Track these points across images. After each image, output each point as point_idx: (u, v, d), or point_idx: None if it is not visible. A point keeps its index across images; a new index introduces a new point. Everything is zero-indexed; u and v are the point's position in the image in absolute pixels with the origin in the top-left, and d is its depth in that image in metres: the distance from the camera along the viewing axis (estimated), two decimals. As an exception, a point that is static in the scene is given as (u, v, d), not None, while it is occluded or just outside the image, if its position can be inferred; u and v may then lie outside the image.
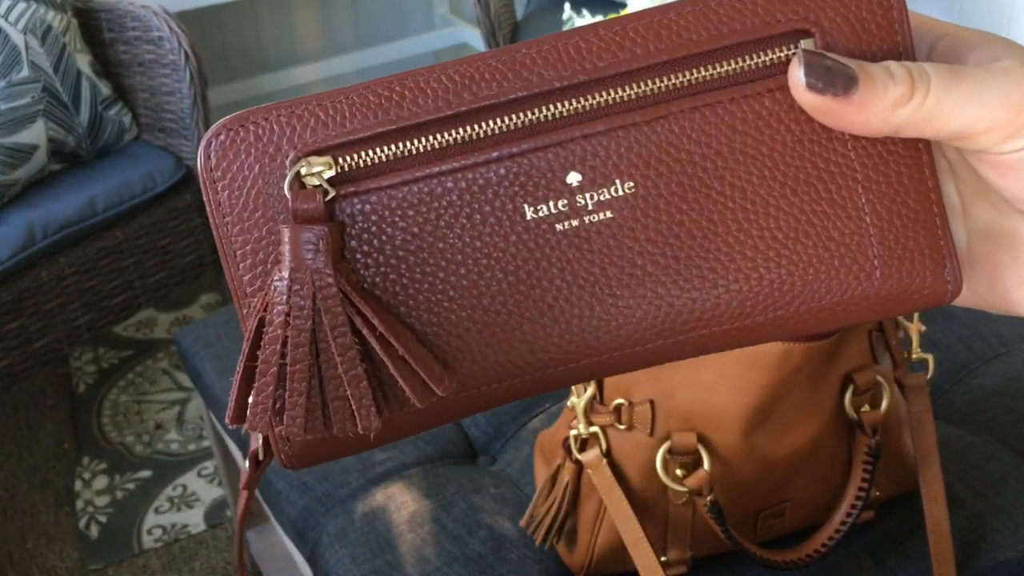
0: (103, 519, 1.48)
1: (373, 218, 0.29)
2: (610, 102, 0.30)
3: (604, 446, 0.66)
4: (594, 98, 0.30)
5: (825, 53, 0.29)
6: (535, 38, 0.30)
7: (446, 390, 0.29)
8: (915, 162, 0.30)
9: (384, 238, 0.30)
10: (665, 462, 0.64)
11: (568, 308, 0.30)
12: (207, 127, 1.58)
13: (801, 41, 0.29)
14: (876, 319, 0.32)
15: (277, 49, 2.36)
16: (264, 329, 0.28)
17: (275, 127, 0.29)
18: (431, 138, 0.29)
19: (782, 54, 0.30)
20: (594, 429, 0.66)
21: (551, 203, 0.30)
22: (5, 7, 1.46)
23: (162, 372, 1.75)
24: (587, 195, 0.30)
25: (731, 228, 0.30)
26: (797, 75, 0.29)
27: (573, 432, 0.67)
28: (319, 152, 0.29)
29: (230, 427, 0.31)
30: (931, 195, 0.30)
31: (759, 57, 0.30)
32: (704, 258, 0.30)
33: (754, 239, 0.30)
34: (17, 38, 1.46)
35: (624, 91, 0.30)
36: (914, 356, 0.69)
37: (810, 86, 0.28)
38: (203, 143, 0.29)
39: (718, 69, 0.30)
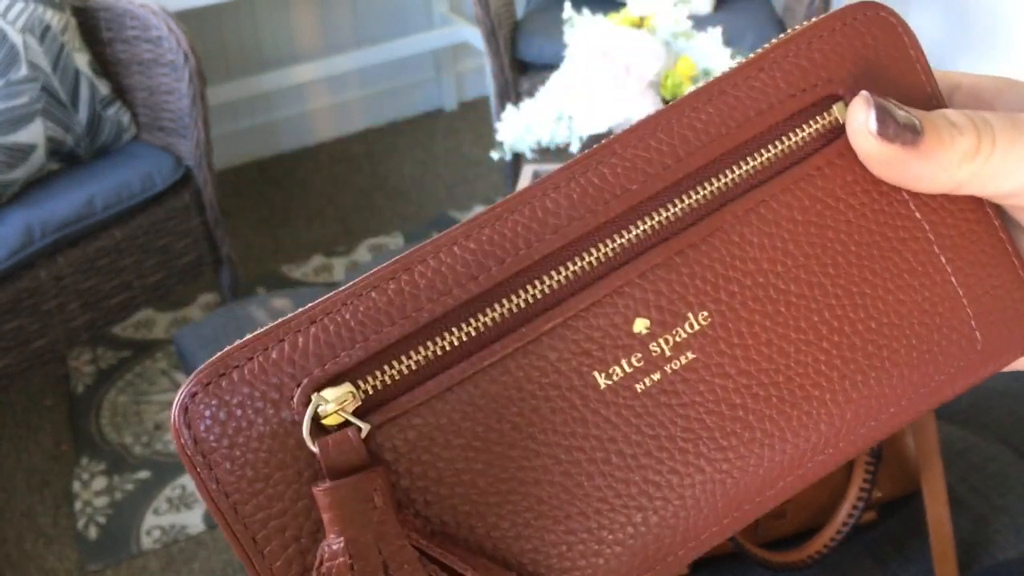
0: (102, 520, 1.48)
1: (422, 444, 0.24)
2: (657, 227, 0.26)
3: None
4: (638, 227, 0.26)
5: (888, 99, 0.26)
6: (546, 177, 0.26)
7: None
8: (981, 215, 0.28)
9: (441, 465, 0.24)
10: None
11: (677, 480, 0.25)
12: (206, 126, 1.57)
13: (834, 106, 0.27)
14: (979, 382, 0.29)
15: (276, 48, 2.36)
16: None
17: (265, 365, 0.23)
18: (465, 326, 0.24)
19: (818, 126, 0.27)
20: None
21: (624, 362, 0.25)
22: (4, 6, 1.46)
23: (161, 372, 1.75)
24: (660, 341, 0.25)
25: (823, 332, 0.26)
26: (864, 122, 0.26)
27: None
28: (333, 381, 0.23)
29: None
30: (1006, 246, 0.28)
31: (797, 135, 0.27)
32: (805, 375, 0.26)
33: (850, 337, 0.27)
34: (16, 37, 1.46)
35: (669, 211, 0.26)
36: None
37: (881, 133, 0.26)
38: (176, 411, 0.23)
39: (759, 159, 0.27)
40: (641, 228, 0.26)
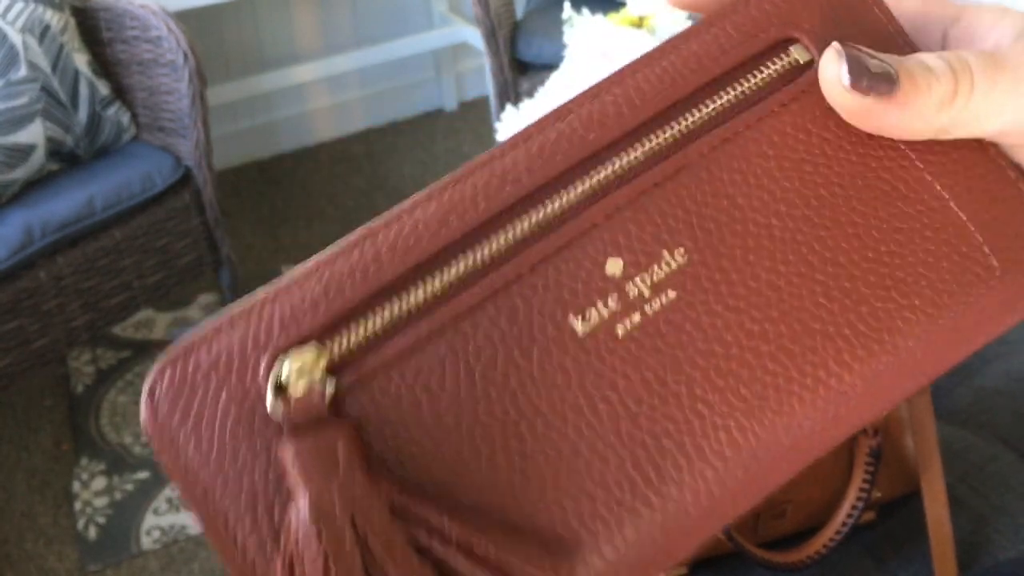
0: (102, 520, 1.48)
1: (392, 404, 0.23)
2: (620, 172, 0.25)
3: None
4: (600, 173, 0.25)
5: (861, 48, 0.26)
6: (505, 140, 0.26)
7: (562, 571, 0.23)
8: (973, 143, 0.27)
9: (415, 426, 0.23)
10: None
11: (674, 427, 0.24)
12: (206, 126, 1.57)
13: (792, 47, 0.27)
14: (1013, 322, 0.27)
15: (276, 48, 2.36)
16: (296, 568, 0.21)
17: (231, 336, 0.23)
18: (431, 280, 0.24)
19: (777, 67, 0.27)
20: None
21: (600, 305, 0.24)
22: (3, 6, 1.45)
23: (161, 372, 1.75)
24: (637, 280, 0.25)
25: (815, 263, 0.25)
26: (836, 74, 0.25)
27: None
28: (300, 342, 0.23)
29: None
30: (1007, 172, 0.27)
31: (756, 76, 0.27)
32: (803, 307, 0.25)
33: (846, 267, 0.25)
34: (15, 37, 1.46)
35: (630, 155, 0.26)
36: (915, 356, 0.69)
37: (854, 86, 0.25)
38: (145, 393, 0.22)
39: (719, 101, 0.26)
40: (603, 174, 0.25)
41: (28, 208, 1.45)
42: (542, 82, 1.37)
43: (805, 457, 0.25)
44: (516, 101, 1.83)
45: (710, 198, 0.26)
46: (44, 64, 1.49)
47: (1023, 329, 0.93)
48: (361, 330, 0.23)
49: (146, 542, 1.44)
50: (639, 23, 1.28)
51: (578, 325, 0.24)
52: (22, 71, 1.47)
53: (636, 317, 0.24)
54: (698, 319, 0.25)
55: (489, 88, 2.10)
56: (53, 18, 1.51)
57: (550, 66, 1.55)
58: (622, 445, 0.24)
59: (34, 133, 1.48)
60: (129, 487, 1.53)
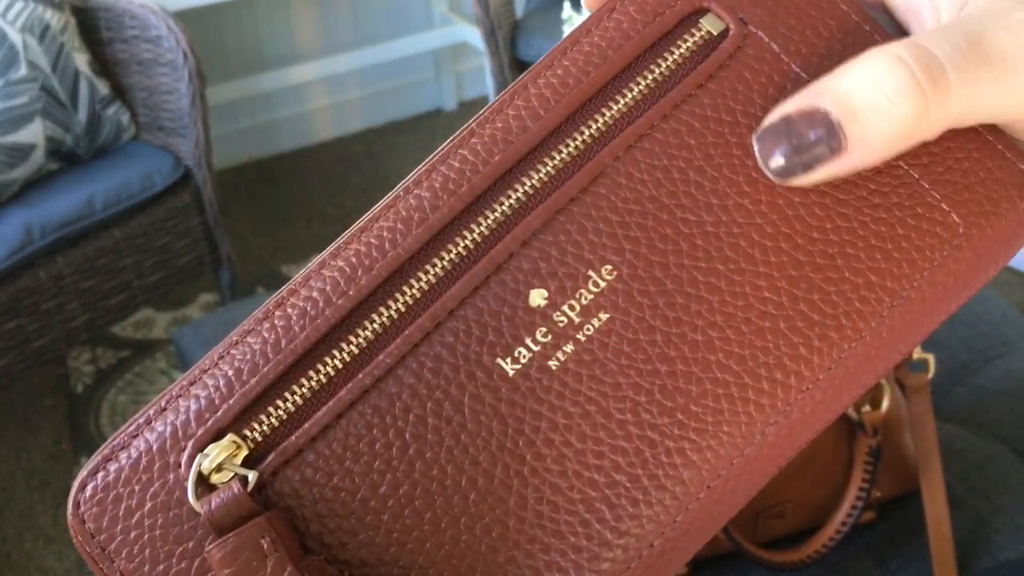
0: (101, 519, 1.48)
1: (322, 480, 0.22)
2: (531, 191, 0.23)
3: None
4: (510, 197, 0.23)
5: (780, 116, 0.22)
6: (410, 176, 0.24)
7: None
8: None
9: (348, 499, 0.22)
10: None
11: (624, 460, 0.22)
12: (206, 126, 1.57)
13: (702, 20, 0.24)
14: (988, 277, 0.24)
15: (276, 48, 2.36)
16: None
17: (149, 437, 0.22)
18: (345, 347, 0.23)
19: (689, 44, 0.24)
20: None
21: (528, 341, 0.23)
22: (3, 6, 1.45)
23: (160, 372, 1.75)
24: (564, 309, 0.23)
25: (756, 256, 0.23)
26: (771, 167, 0.22)
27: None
28: (216, 437, 0.22)
29: None
30: (985, 134, 0.24)
31: (664, 63, 0.24)
32: (748, 306, 0.23)
33: (791, 254, 0.23)
34: (15, 37, 1.46)
35: (540, 172, 0.23)
36: (915, 356, 0.69)
37: (789, 171, 0.21)
38: (71, 507, 0.22)
39: (628, 96, 0.24)
40: (514, 197, 0.23)
41: (28, 208, 1.45)
42: (542, 82, 1.37)
43: (775, 463, 0.23)
44: (516, 101, 1.83)
45: (632, 204, 0.23)
46: (44, 63, 1.49)
47: (1023, 329, 0.93)
48: (279, 410, 0.22)
49: (146, 542, 1.44)
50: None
51: (507, 366, 0.23)
52: (22, 70, 1.46)
53: (568, 347, 0.23)
54: (636, 339, 0.23)
55: (489, 88, 2.10)
56: (53, 18, 1.51)
57: (550, 66, 1.55)
58: (571, 488, 0.22)
59: (34, 132, 1.48)
60: (129, 487, 1.53)
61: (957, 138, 0.23)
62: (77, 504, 0.22)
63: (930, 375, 0.68)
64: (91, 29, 1.62)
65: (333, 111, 2.52)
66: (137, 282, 1.57)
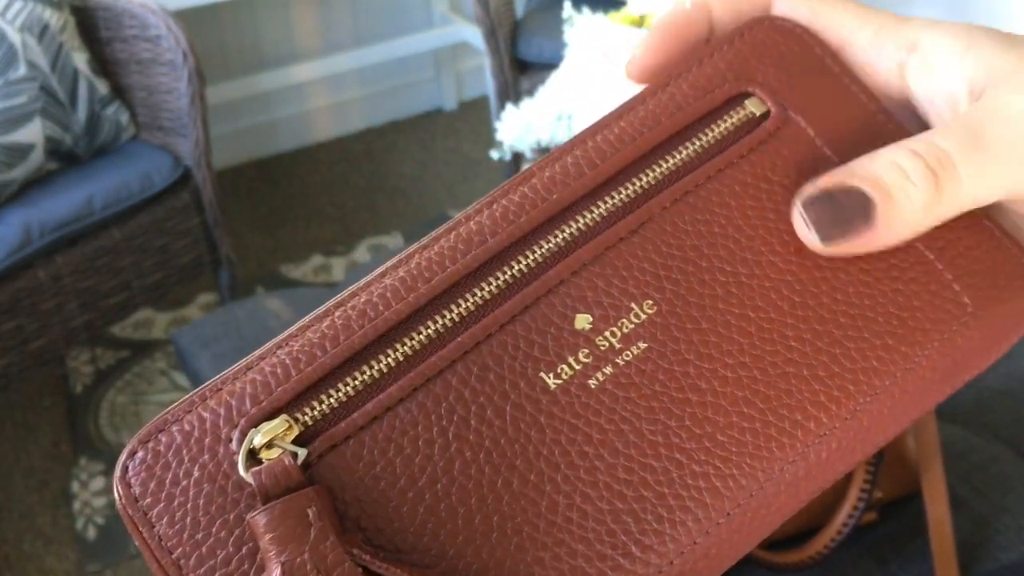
0: (100, 521, 1.48)
1: (366, 465, 0.23)
2: (583, 228, 0.26)
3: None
4: (564, 232, 0.26)
5: (821, 189, 0.25)
6: (470, 207, 0.26)
7: None
8: None
9: (388, 489, 0.23)
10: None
11: (652, 477, 0.24)
12: (205, 125, 1.57)
13: (746, 101, 0.28)
14: (992, 358, 0.27)
15: (276, 47, 2.35)
16: None
17: (203, 414, 0.23)
18: (400, 346, 0.24)
19: (733, 120, 0.28)
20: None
21: (571, 359, 0.25)
22: (2, 5, 1.45)
23: (160, 372, 1.75)
24: (607, 334, 0.25)
25: (785, 308, 0.26)
26: (810, 238, 0.25)
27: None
28: (269, 417, 0.23)
29: None
30: (983, 221, 0.27)
31: (711, 133, 0.27)
32: (775, 351, 0.25)
33: (816, 310, 0.26)
34: (14, 36, 1.46)
35: (593, 212, 0.26)
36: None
37: (827, 238, 0.24)
38: (118, 471, 0.23)
39: (677, 157, 0.27)
40: (567, 232, 0.26)
41: (27, 207, 1.45)
42: (542, 81, 1.37)
43: (790, 504, 0.25)
44: (516, 100, 1.83)
45: (675, 250, 0.26)
46: (43, 63, 1.49)
47: (1024, 329, 0.93)
48: (331, 398, 0.24)
49: (145, 542, 1.44)
50: (639, 22, 1.28)
51: (550, 380, 0.25)
52: (21, 70, 1.46)
53: (608, 369, 0.25)
54: (670, 368, 0.25)
55: (489, 87, 2.09)
56: (52, 17, 1.51)
57: (550, 65, 1.55)
58: (600, 498, 0.24)
59: (33, 132, 1.48)
60: (128, 487, 1.53)
61: (968, 229, 0.27)
62: (125, 468, 0.23)
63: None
64: (90, 28, 1.62)
65: (333, 111, 2.51)
66: (136, 282, 1.57)
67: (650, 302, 0.26)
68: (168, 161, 1.59)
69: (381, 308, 0.25)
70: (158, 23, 1.54)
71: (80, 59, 1.55)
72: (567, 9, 1.34)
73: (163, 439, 0.23)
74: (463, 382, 0.24)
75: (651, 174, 0.27)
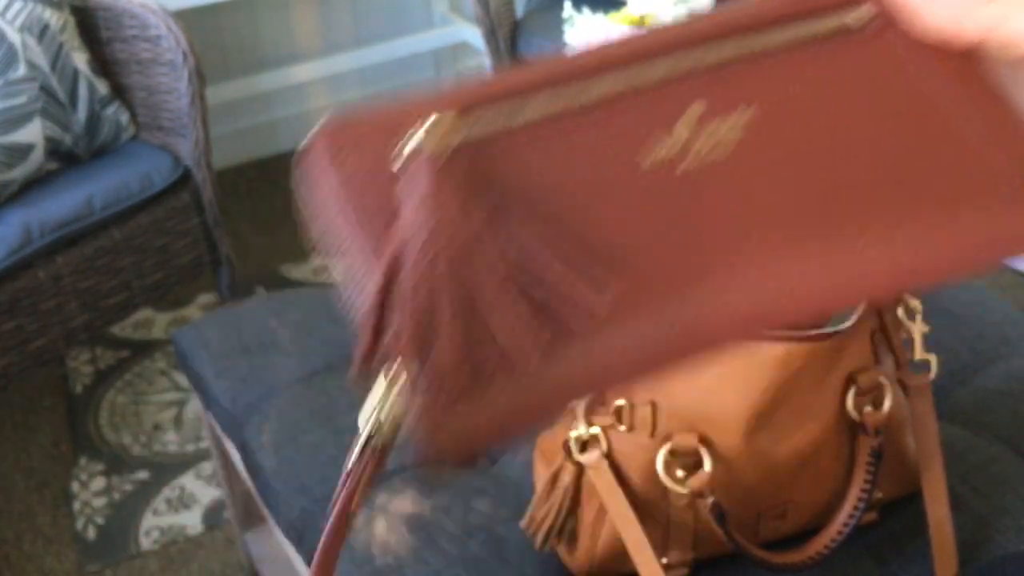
0: (100, 520, 1.48)
1: (505, 156, 0.30)
2: (719, 51, 0.33)
3: (605, 447, 0.65)
4: (700, 51, 0.33)
5: None
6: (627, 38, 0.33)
7: (614, 292, 0.29)
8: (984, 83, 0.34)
9: (520, 182, 0.30)
10: (666, 464, 0.64)
11: (723, 244, 0.31)
12: (205, 126, 1.57)
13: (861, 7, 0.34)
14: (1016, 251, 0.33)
15: (276, 47, 2.35)
16: (402, 259, 0.27)
17: (392, 110, 0.31)
18: (556, 98, 0.31)
19: (852, 16, 0.34)
20: (595, 430, 0.65)
21: (670, 140, 0.31)
22: (2, 5, 1.45)
23: (160, 373, 1.75)
24: (709, 126, 0.31)
25: (864, 146, 0.32)
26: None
27: (574, 433, 0.66)
28: (444, 109, 0.30)
29: (357, 375, 0.30)
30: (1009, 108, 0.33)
31: (828, 18, 0.34)
32: (851, 171, 0.32)
33: (893, 149, 0.32)
34: (14, 36, 1.46)
35: (726, 44, 0.33)
36: (917, 357, 0.69)
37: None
38: (323, 122, 0.31)
39: (800, 27, 0.33)
40: (704, 50, 0.32)
41: (27, 207, 1.45)
42: (542, 81, 1.36)
43: (867, 284, 0.31)
44: (516, 101, 1.83)
45: (789, 83, 0.33)
46: (43, 63, 1.49)
47: (1023, 329, 0.93)
48: (494, 114, 0.30)
49: (145, 543, 1.44)
50: (640, 22, 1.28)
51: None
52: (21, 70, 1.46)
53: (711, 153, 0.31)
54: (760, 165, 0.31)
55: (489, 88, 2.09)
56: (52, 17, 1.51)
57: (550, 65, 1.54)
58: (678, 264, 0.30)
59: (33, 132, 1.48)
60: (128, 487, 1.53)
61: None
62: (328, 121, 0.31)
63: (932, 376, 0.68)
64: (90, 28, 1.62)
65: (333, 111, 2.51)
66: (136, 282, 1.57)
67: (756, 106, 0.32)
68: (168, 161, 1.59)
69: (557, 67, 0.32)
70: (158, 23, 1.54)
71: (80, 59, 1.55)
72: (567, 9, 1.34)
73: (361, 117, 0.31)
74: (600, 128, 0.31)
75: (778, 33, 0.33)
